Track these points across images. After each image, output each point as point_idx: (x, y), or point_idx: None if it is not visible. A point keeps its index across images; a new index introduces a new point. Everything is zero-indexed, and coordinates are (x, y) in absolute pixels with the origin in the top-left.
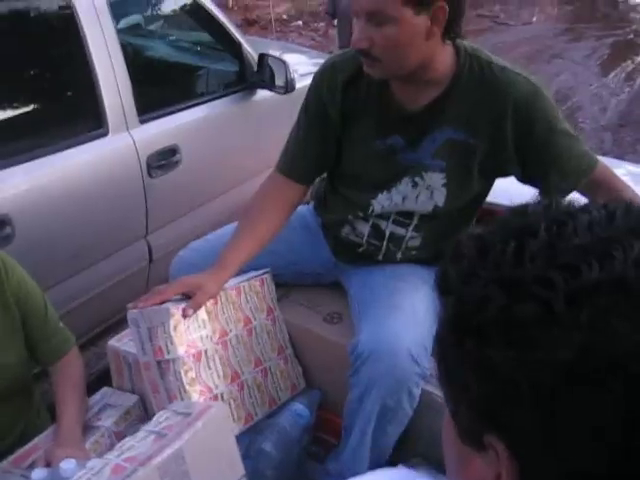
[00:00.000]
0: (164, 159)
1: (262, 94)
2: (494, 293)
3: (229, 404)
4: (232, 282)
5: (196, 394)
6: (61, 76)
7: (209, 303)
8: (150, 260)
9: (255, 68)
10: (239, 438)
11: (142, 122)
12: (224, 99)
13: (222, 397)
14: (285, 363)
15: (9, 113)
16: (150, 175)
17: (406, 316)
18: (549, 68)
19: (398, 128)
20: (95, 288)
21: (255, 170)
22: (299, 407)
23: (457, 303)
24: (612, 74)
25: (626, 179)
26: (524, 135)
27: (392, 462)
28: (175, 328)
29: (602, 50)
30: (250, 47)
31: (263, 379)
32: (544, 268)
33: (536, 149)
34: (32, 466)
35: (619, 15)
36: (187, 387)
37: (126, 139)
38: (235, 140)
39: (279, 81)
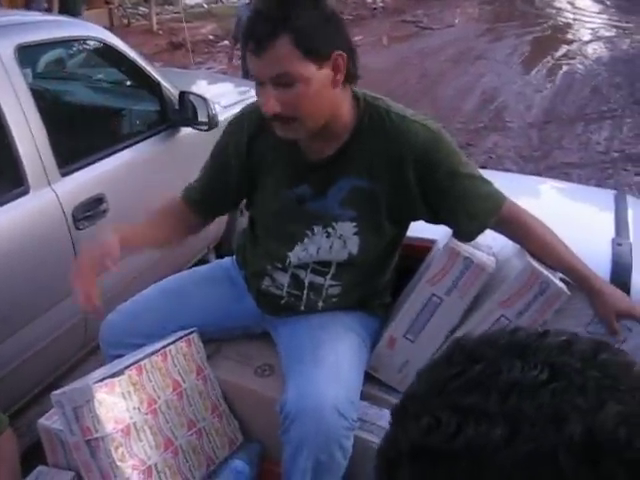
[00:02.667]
0: (90, 210)
1: (186, 131)
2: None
3: (165, 473)
4: (158, 346)
5: (129, 469)
6: None
7: (134, 373)
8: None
9: (176, 106)
10: None
11: (63, 175)
12: (147, 141)
13: (156, 467)
14: (220, 420)
15: None
16: (77, 227)
17: (329, 370)
18: (473, 69)
19: (305, 178)
20: (31, 348)
21: None
22: (238, 463)
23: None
24: (534, 71)
25: (551, 195)
26: (427, 181)
27: None
28: (100, 405)
29: (523, 48)
30: (170, 84)
31: (198, 440)
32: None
33: (441, 193)
34: None
35: (536, 12)
36: (119, 464)
37: (48, 194)
38: (162, 181)
39: (202, 117)
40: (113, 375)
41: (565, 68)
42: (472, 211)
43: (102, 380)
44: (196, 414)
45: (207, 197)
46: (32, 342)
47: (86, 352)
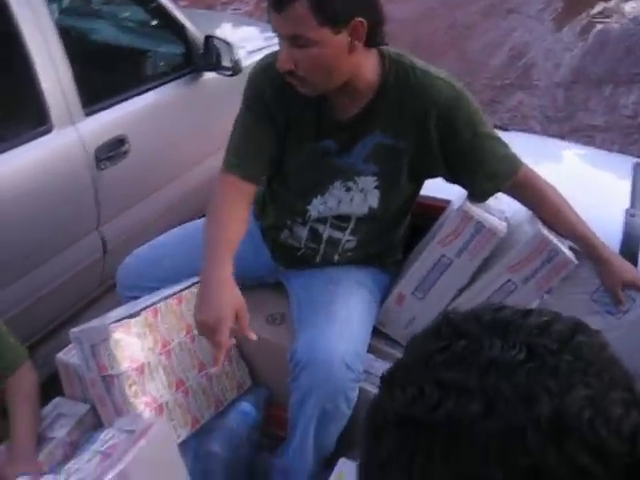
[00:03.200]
0: (112, 150)
1: (209, 76)
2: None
3: (175, 411)
4: (173, 290)
5: (141, 405)
6: (0, 76)
7: (150, 315)
8: (105, 251)
9: (201, 50)
10: (187, 441)
11: (87, 114)
12: (171, 84)
13: (167, 405)
14: (230, 364)
15: None
16: (99, 167)
17: (340, 325)
18: (505, 24)
19: (332, 134)
20: (51, 283)
21: (205, 153)
22: (246, 406)
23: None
24: (566, 28)
25: (570, 159)
26: (448, 139)
27: (336, 455)
28: (117, 344)
29: (556, 3)
30: (195, 28)
31: (208, 382)
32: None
33: (461, 152)
34: None
35: None
36: (132, 400)
37: (72, 134)
38: (184, 124)
39: (225, 63)
40: (130, 316)
41: (599, 27)
42: (489, 171)
43: (119, 320)
44: (207, 357)
45: (259, 157)
46: (51, 278)
47: (103, 290)
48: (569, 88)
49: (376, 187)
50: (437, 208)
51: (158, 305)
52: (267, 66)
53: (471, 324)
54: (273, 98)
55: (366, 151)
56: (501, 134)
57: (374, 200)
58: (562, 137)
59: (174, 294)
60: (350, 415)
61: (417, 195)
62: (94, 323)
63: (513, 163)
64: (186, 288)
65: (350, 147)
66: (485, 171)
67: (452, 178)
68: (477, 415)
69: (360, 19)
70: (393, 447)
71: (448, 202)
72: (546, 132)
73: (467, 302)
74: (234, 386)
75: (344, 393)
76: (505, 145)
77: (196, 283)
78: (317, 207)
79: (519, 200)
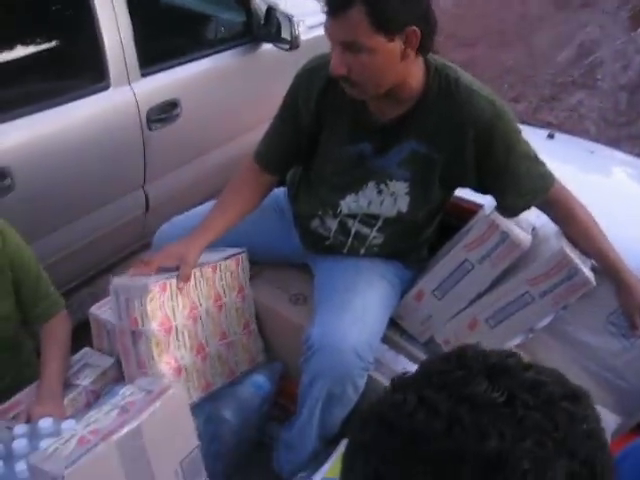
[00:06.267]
0: (164, 112)
1: (267, 47)
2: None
3: (192, 374)
4: (211, 258)
5: (163, 364)
6: (65, 30)
7: None
8: (147, 209)
9: (262, 20)
10: (201, 405)
11: (144, 75)
12: (229, 52)
13: (186, 368)
14: (248, 338)
15: (10, 66)
16: (149, 128)
17: (355, 315)
18: (576, 17)
19: (368, 136)
20: (93, 234)
21: (254, 123)
22: (260, 378)
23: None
24: None
25: (616, 172)
26: (484, 155)
27: (340, 436)
28: (150, 302)
29: (635, 0)
30: None
31: (225, 351)
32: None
33: (494, 169)
34: (15, 418)
35: None
36: (155, 357)
37: (127, 93)
38: (237, 93)
39: (285, 36)
40: (167, 277)
41: None
42: (520, 189)
43: (158, 281)
44: (229, 327)
45: (281, 153)
46: (94, 229)
47: (141, 245)
48: (633, 92)
49: (407, 193)
50: (469, 210)
51: (195, 269)
52: (311, 69)
53: (476, 361)
54: (308, 100)
55: (401, 156)
56: (545, 142)
57: (403, 205)
58: (617, 142)
59: (211, 262)
60: (357, 401)
61: (447, 202)
62: (134, 279)
63: (545, 182)
64: (222, 259)
65: (386, 151)
66: (516, 189)
67: (483, 191)
68: (436, 432)
69: (414, 27)
70: (369, 438)
71: (480, 206)
72: (601, 135)
73: (484, 308)
74: (247, 359)
75: (352, 380)
76: (541, 163)
77: (233, 255)
78: (349, 204)
79: (548, 216)
